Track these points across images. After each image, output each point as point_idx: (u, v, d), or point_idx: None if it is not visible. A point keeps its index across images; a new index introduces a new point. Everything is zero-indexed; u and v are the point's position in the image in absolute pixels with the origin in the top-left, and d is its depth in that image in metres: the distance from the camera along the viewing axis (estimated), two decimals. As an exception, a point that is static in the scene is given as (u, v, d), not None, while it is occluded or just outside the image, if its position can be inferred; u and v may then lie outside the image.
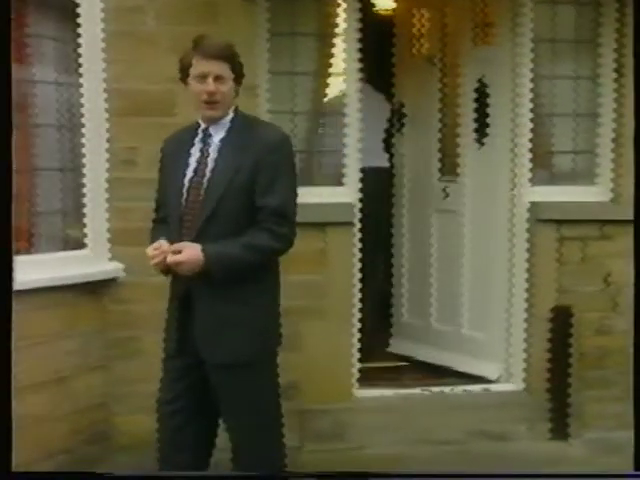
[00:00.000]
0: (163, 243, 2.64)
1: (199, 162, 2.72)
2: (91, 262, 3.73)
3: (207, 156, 2.72)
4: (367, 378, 4.24)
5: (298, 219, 3.83)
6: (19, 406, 3.44)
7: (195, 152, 2.75)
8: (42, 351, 3.53)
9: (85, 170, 3.70)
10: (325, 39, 4.10)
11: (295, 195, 2.77)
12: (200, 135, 2.76)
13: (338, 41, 4.07)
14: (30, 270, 3.49)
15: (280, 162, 2.70)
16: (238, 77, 2.74)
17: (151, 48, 3.74)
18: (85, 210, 3.72)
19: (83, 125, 3.68)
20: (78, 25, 3.63)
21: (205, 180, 2.68)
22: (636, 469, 2.49)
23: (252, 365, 2.72)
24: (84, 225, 3.73)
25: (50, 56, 3.64)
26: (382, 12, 5.32)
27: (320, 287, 3.96)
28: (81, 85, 3.67)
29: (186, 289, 2.71)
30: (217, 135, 2.74)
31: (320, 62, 4.12)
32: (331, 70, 4.13)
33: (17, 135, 3.62)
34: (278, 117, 3.99)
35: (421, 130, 4.78)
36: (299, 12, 4.03)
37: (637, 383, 2.54)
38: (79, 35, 3.64)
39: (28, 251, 3.64)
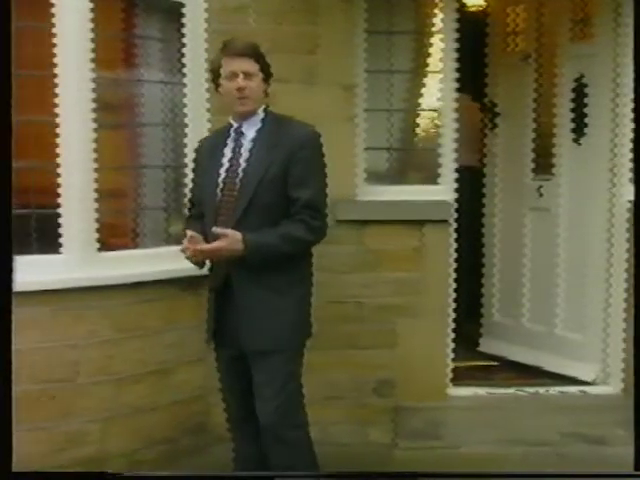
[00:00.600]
0: (194, 234, 2.74)
1: (232, 159, 2.84)
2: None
3: (240, 153, 2.84)
4: (459, 377, 4.23)
5: (394, 217, 3.90)
6: (121, 396, 3.58)
7: (228, 151, 2.86)
8: (144, 343, 3.64)
9: (187, 168, 3.78)
10: (422, 37, 4.11)
11: (326, 189, 2.85)
12: (232, 134, 2.88)
13: (435, 39, 4.06)
14: (134, 265, 3.60)
15: (311, 157, 2.80)
16: (266, 75, 2.87)
17: (252, 47, 3.79)
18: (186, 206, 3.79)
19: (186, 124, 3.76)
20: (182, 25, 3.72)
21: (239, 176, 2.80)
22: (636, 469, 2.47)
23: (287, 352, 2.83)
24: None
25: (156, 56, 3.73)
26: (475, 9, 5.27)
27: (416, 285, 3.96)
28: (184, 84, 3.75)
29: (225, 280, 2.83)
30: (249, 133, 2.85)
31: (417, 60, 4.14)
32: (428, 68, 4.13)
33: (123, 134, 3.78)
34: (374, 115, 4.02)
35: (514, 129, 4.72)
36: (396, 10, 4.04)
37: (637, 383, 2.54)
38: (183, 35, 3.73)
39: (132, 246, 3.74)
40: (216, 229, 2.70)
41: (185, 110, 3.77)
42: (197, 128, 3.76)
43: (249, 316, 2.79)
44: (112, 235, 3.63)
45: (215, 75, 2.87)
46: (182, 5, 3.70)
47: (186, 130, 3.77)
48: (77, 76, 3.36)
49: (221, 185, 2.82)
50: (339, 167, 3.85)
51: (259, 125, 2.84)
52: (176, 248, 3.74)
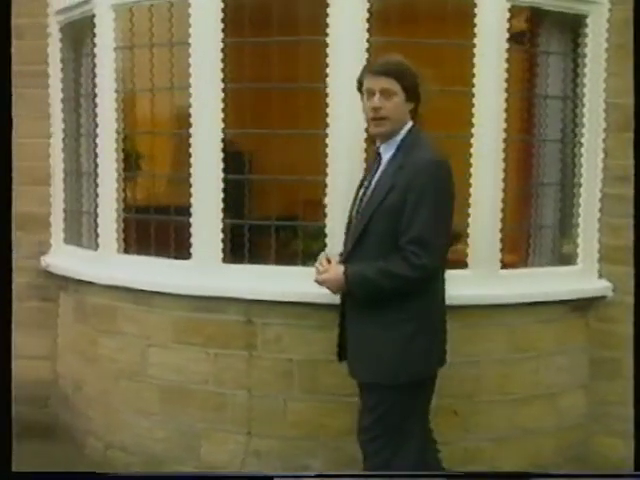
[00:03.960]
0: (322, 258, 2.79)
1: (367, 182, 2.75)
2: (580, 278, 3.68)
3: (374, 176, 2.72)
4: None
5: None
6: (515, 416, 3.49)
7: (369, 174, 2.77)
8: (538, 364, 3.55)
9: (580, 186, 3.67)
10: None
11: (442, 222, 2.60)
12: (374, 156, 2.78)
13: None
14: (530, 284, 3.53)
15: (426, 186, 2.55)
16: (410, 94, 2.66)
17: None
18: (578, 226, 3.68)
19: (581, 143, 3.66)
20: (581, 38, 3.62)
21: (365, 200, 2.70)
22: (636, 469, 2.50)
23: (388, 387, 2.65)
24: (576, 241, 3.69)
25: (557, 71, 3.64)
26: None
27: None
28: (582, 99, 3.64)
29: (342, 305, 2.81)
30: (385, 155, 2.71)
31: None
32: None
33: (524, 150, 3.73)
34: None
35: None
36: None
37: (637, 384, 2.55)
38: (578, 47, 3.65)
39: (526, 265, 3.68)
40: (322, 259, 2.76)
41: (581, 126, 3.65)
42: (592, 146, 3.65)
43: (355, 345, 2.74)
44: (509, 252, 3.58)
45: (359, 89, 2.75)
46: (586, 17, 3.59)
47: (582, 150, 3.66)
48: (494, 91, 3.36)
49: (354, 209, 2.77)
50: None
51: (396, 146, 2.69)
52: (565, 268, 3.68)
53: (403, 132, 2.70)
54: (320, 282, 2.74)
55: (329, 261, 2.76)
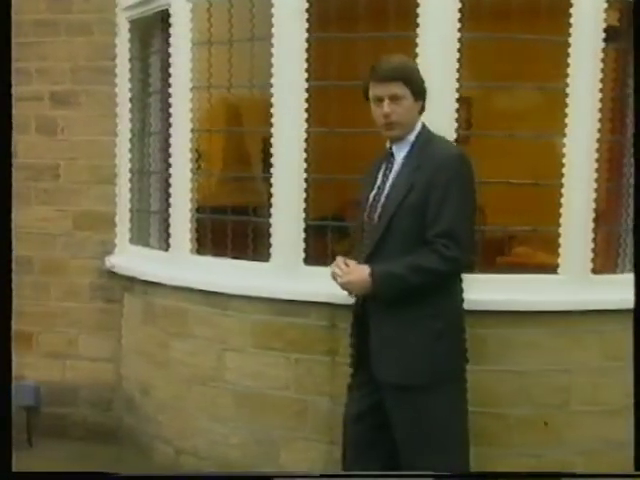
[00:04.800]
0: (339, 262, 2.69)
1: (381, 182, 2.72)
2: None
3: (388, 176, 2.71)
4: None
5: None
6: (606, 428, 3.35)
7: (380, 174, 2.75)
8: (630, 374, 3.41)
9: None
10: None
11: (468, 215, 2.63)
12: (386, 156, 2.76)
13: None
14: (624, 289, 3.39)
15: (450, 180, 2.56)
16: (417, 94, 2.66)
17: None
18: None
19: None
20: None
21: (381, 201, 2.68)
22: (636, 469, 2.46)
23: (418, 387, 2.61)
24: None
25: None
26: None
27: None
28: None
29: (362, 307, 2.74)
30: (399, 155, 2.71)
31: None
32: None
33: (616, 151, 3.59)
34: None
35: None
36: None
37: (637, 384, 2.50)
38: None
39: (615, 270, 3.55)
40: (339, 262, 2.68)
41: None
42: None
43: (381, 347, 2.67)
44: (599, 256, 3.46)
45: (366, 96, 2.72)
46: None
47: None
48: (589, 90, 3.24)
49: (367, 210, 2.73)
50: None
51: (408, 147, 2.70)
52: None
53: (415, 131, 2.71)
54: (344, 285, 2.69)
55: (347, 264, 2.69)
